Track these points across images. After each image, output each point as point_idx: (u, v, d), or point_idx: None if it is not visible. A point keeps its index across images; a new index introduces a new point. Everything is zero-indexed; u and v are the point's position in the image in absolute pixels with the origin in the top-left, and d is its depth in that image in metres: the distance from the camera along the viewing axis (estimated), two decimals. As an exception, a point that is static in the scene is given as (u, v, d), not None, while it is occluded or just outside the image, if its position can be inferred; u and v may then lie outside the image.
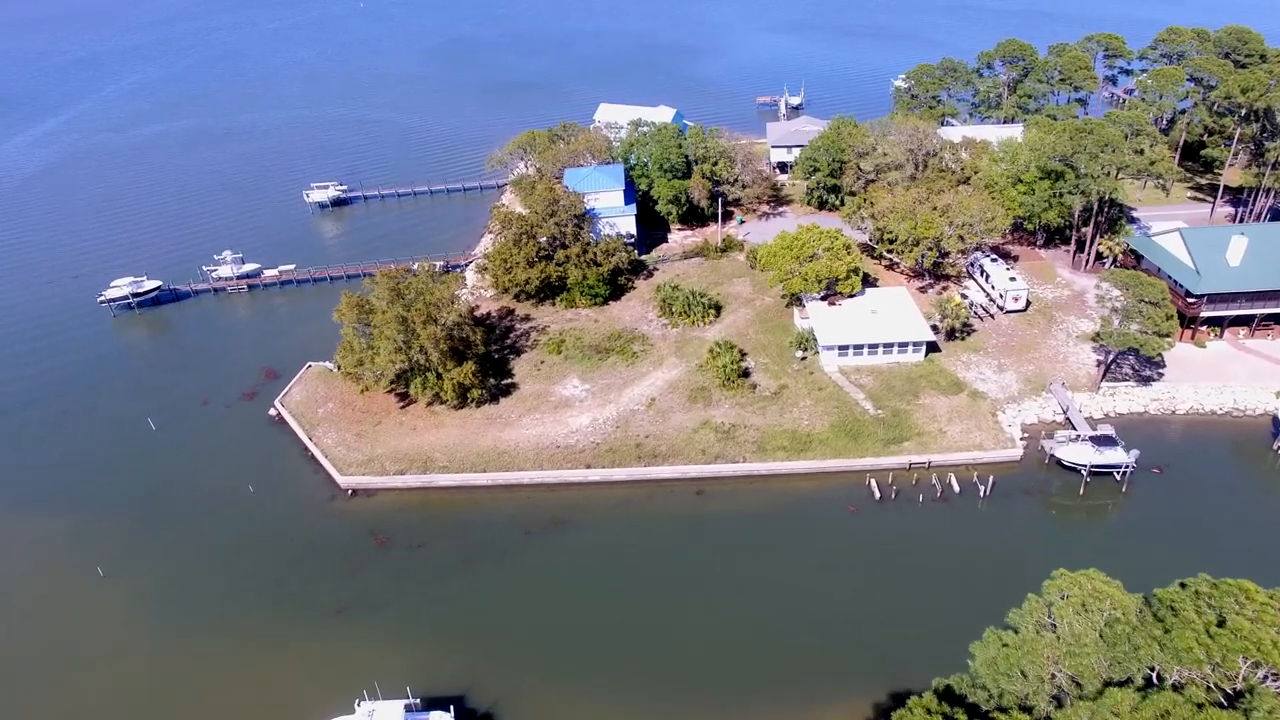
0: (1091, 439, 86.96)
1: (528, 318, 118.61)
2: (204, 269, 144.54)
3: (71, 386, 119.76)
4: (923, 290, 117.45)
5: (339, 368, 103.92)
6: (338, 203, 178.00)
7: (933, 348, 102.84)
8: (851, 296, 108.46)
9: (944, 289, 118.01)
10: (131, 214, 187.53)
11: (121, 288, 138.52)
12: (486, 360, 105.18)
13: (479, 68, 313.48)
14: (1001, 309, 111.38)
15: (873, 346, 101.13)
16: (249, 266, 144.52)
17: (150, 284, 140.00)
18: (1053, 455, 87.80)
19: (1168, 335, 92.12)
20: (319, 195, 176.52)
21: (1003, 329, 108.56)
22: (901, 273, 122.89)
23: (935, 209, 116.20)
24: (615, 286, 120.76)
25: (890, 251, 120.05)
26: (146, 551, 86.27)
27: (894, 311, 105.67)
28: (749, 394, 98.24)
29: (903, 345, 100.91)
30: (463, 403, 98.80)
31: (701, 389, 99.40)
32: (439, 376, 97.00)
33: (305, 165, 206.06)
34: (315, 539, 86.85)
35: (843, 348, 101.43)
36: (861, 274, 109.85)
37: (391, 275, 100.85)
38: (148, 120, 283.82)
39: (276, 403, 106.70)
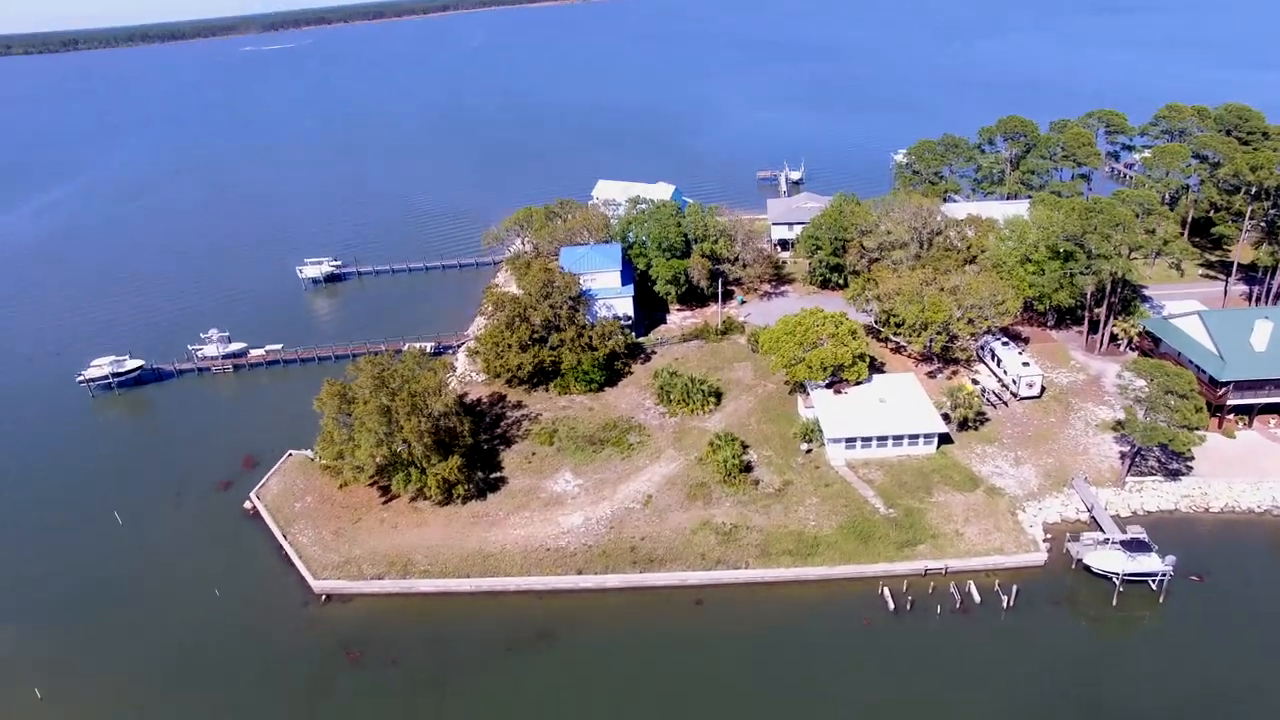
0: (1122, 543, 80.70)
1: (520, 404, 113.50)
2: (190, 348, 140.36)
3: (39, 472, 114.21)
4: (931, 375, 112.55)
5: (318, 458, 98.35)
6: (331, 278, 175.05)
7: (945, 439, 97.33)
8: (858, 384, 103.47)
9: (954, 373, 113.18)
10: (122, 288, 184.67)
11: (102, 366, 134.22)
12: (474, 452, 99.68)
13: (478, 138, 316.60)
14: (1015, 395, 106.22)
15: (882, 439, 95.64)
16: (235, 346, 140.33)
17: (132, 363, 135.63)
18: (1080, 560, 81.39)
19: (1198, 429, 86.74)
20: (312, 271, 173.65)
21: (1017, 417, 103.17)
22: (909, 356, 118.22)
23: (943, 290, 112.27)
24: (611, 371, 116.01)
25: (897, 335, 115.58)
26: (94, 667, 79.33)
27: (903, 400, 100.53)
28: (751, 490, 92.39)
29: (913, 437, 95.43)
30: (447, 499, 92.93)
31: (701, 485, 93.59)
32: (423, 471, 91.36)
33: (300, 238, 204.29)
34: (283, 652, 79.94)
35: (850, 440, 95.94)
36: (868, 360, 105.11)
37: (375, 362, 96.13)
38: (149, 191, 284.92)
39: (252, 495, 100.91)
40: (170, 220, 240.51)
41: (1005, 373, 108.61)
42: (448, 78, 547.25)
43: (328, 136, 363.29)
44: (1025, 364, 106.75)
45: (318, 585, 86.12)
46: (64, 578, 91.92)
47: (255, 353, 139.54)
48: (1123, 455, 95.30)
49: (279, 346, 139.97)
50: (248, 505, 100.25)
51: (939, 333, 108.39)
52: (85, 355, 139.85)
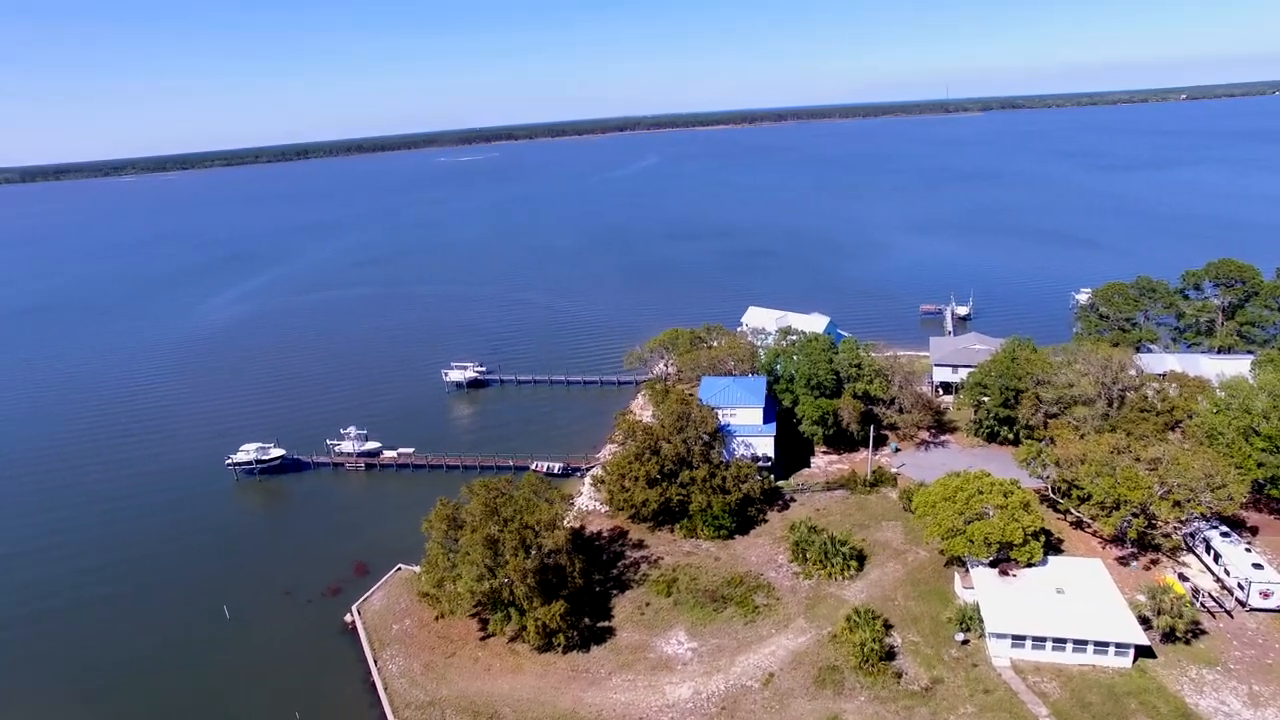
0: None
1: (641, 543, 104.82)
2: (328, 442, 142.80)
3: (171, 549, 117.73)
4: (1123, 562, 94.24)
5: (420, 582, 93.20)
6: (474, 384, 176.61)
7: (1145, 651, 79.07)
8: (1030, 566, 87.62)
9: (1153, 562, 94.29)
10: (280, 376, 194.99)
11: (249, 452, 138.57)
12: (583, 594, 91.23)
13: (635, 253, 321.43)
14: (1242, 604, 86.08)
15: (1059, 641, 78.97)
16: (370, 445, 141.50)
17: (275, 452, 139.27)
18: None
19: None
20: (457, 375, 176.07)
21: (1247, 635, 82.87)
22: (1093, 533, 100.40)
23: (1139, 460, 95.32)
24: (743, 518, 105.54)
25: (1080, 510, 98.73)
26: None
27: (1087, 592, 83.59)
28: (892, 684, 77.96)
29: (1102, 644, 78.07)
30: (547, 646, 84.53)
31: (832, 669, 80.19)
32: (522, 613, 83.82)
33: (451, 341, 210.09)
34: (348, 803, 72.84)
35: (1018, 637, 79.92)
36: (1043, 538, 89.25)
37: (490, 486, 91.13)
38: (328, 285, 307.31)
39: (354, 609, 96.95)
40: (335, 314, 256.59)
41: (1227, 573, 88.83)
42: (613, 193, 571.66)
43: (495, 242, 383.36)
44: (1257, 565, 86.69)
45: (398, 727, 79.12)
46: (154, 672, 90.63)
47: (388, 454, 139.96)
48: (1394, 705, 73.48)
49: (410, 450, 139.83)
50: (348, 619, 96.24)
51: (1135, 514, 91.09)
52: (239, 439, 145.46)
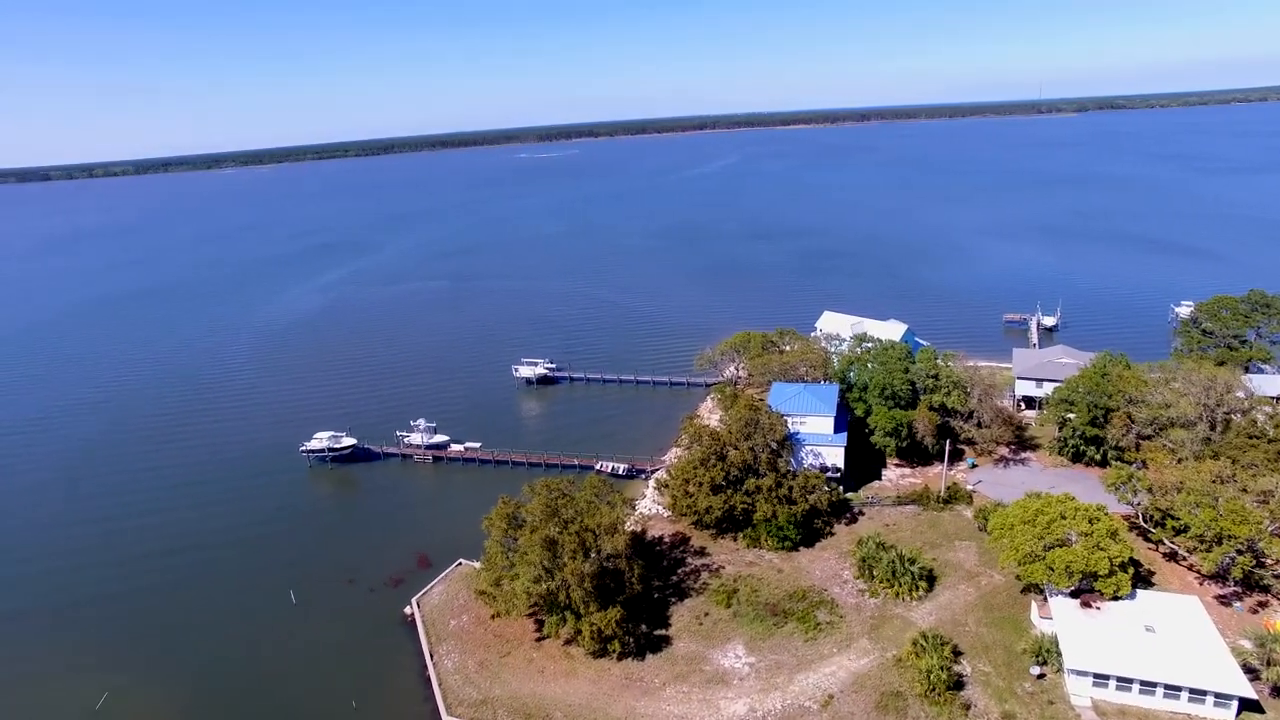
0: None
1: (703, 551, 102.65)
2: (398, 433, 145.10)
3: (243, 533, 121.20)
4: (1224, 601, 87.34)
5: (478, 580, 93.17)
6: (544, 380, 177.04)
7: (1251, 705, 72.70)
8: (1117, 599, 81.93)
9: (1260, 604, 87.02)
10: (361, 366, 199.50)
11: (322, 440, 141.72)
12: (641, 600, 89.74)
13: (709, 254, 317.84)
14: (1357, 657, 78.61)
15: (1148, 685, 73.38)
16: (438, 438, 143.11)
17: (347, 441, 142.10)
18: None
19: None
20: (527, 371, 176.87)
21: (1362, 691, 75.65)
22: (1189, 567, 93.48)
23: (1246, 492, 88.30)
24: (809, 530, 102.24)
25: (1175, 541, 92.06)
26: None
27: (1182, 633, 77.54)
28: (959, 716, 73.81)
29: (1198, 693, 72.16)
30: (602, 652, 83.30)
31: (896, 695, 76.54)
32: (578, 617, 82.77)
33: (523, 336, 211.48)
34: (399, 797, 73.11)
35: (1101, 677, 74.67)
36: (1132, 570, 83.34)
37: (551, 486, 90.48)
38: (407, 277, 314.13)
39: (414, 601, 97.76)
40: (412, 306, 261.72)
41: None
42: (691, 191, 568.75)
43: (571, 238, 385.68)
44: (1376, 615, 79.27)
45: (450, 723, 79.19)
46: (221, 654, 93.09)
47: (455, 447, 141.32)
48: None
49: (478, 445, 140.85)
50: (408, 610, 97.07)
51: (1240, 551, 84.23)
52: (313, 426, 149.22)
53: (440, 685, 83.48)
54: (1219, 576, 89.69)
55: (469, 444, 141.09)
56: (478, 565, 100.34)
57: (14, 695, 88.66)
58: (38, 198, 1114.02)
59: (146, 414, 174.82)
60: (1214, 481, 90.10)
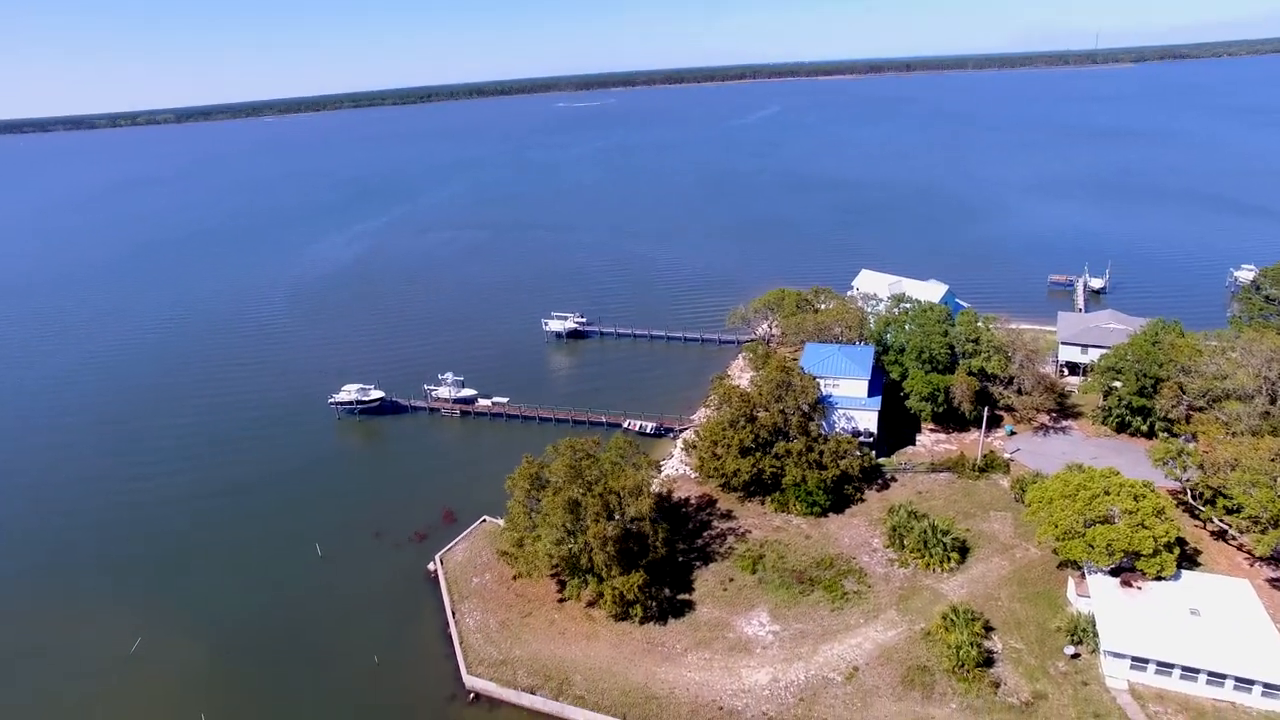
0: None
1: (729, 514, 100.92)
2: (426, 387, 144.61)
3: (271, 482, 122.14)
4: (1277, 586, 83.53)
5: (501, 541, 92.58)
6: (574, 334, 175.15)
7: (1294, 692, 69.64)
8: (1160, 579, 78.62)
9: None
10: (392, 316, 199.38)
11: (350, 392, 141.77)
12: (665, 564, 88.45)
13: (745, 208, 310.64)
14: None
15: (1191, 671, 70.43)
16: (466, 392, 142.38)
17: (375, 394, 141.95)
18: None
19: None
20: (557, 325, 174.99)
21: None
22: (1239, 547, 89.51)
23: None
24: (839, 496, 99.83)
25: (1226, 521, 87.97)
26: (238, 701, 78.51)
27: (1229, 617, 74.22)
28: (988, 695, 71.80)
29: (1246, 682, 68.98)
30: (624, 616, 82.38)
31: (922, 669, 74.63)
32: (600, 580, 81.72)
33: (555, 288, 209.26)
34: (418, 753, 73.44)
35: (1139, 660, 71.85)
36: (1177, 549, 79.76)
37: (576, 447, 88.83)
38: (444, 226, 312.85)
39: (437, 558, 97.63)
40: (449, 258, 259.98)
41: (1398, 608, 77.34)
42: (731, 142, 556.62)
43: (608, 188, 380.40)
44: None
45: (469, 681, 79.25)
46: (248, 605, 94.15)
47: (483, 402, 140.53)
48: None
49: (505, 400, 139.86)
50: (431, 566, 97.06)
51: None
52: (343, 378, 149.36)
53: (461, 643, 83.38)
54: (1274, 559, 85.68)
55: (496, 398, 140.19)
56: (501, 524, 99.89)
57: (56, 638, 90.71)
58: (83, 147, 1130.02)
59: (188, 359, 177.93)
60: (1273, 459, 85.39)
